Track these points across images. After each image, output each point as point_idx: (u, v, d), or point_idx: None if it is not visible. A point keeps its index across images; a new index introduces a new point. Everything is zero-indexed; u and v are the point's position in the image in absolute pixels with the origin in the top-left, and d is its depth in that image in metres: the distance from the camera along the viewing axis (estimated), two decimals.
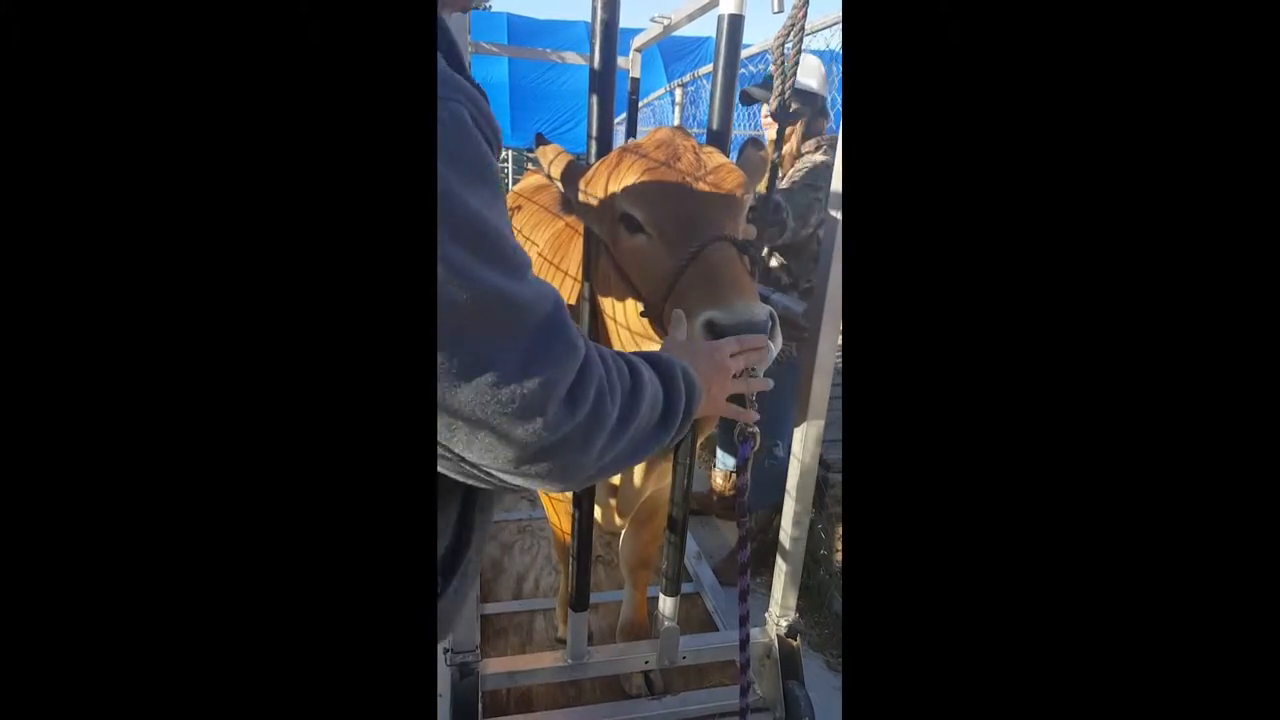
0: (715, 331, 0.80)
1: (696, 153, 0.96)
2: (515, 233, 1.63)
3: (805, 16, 0.95)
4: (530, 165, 8.37)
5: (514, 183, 8.16)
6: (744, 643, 1.02)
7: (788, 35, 0.97)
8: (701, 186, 0.92)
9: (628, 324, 1.02)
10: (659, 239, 0.91)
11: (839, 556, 2.17)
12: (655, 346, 1.03)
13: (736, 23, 1.05)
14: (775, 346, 0.83)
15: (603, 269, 1.03)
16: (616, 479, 1.30)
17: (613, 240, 0.97)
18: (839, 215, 1.19)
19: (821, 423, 1.33)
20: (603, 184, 0.98)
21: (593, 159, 1.10)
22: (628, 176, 0.94)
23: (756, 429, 0.87)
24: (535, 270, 1.39)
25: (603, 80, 1.03)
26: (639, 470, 1.25)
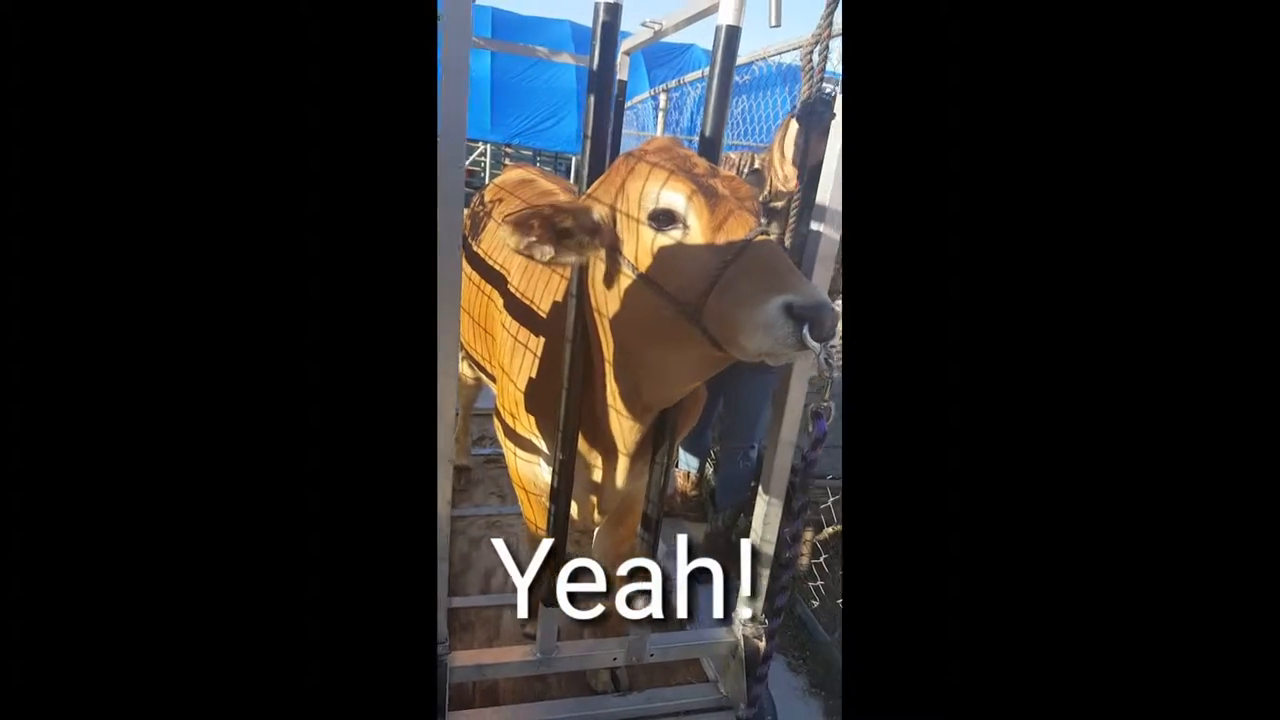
0: (795, 314, 0.81)
1: (704, 160, 0.99)
2: (498, 227, 1.63)
3: (830, 30, 0.99)
4: (507, 161, 8.31)
5: (490, 178, 8.10)
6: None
7: (814, 48, 1.01)
8: (722, 188, 0.95)
9: (626, 322, 1.03)
10: (699, 233, 0.92)
11: (804, 560, 2.22)
12: (651, 348, 1.05)
13: (734, 34, 1.08)
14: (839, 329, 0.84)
15: (608, 272, 1.02)
16: (599, 476, 1.31)
17: (633, 241, 0.97)
18: (819, 227, 1.23)
19: (795, 427, 1.37)
20: (617, 188, 0.99)
21: (586, 158, 1.11)
22: (653, 176, 0.96)
23: (831, 403, 0.88)
24: (519, 266, 1.39)
25: (600, 82, 1.04)
26: (621, 468, 1.27)
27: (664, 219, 0.94)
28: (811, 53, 1.01)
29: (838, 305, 0.82)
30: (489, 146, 8.91)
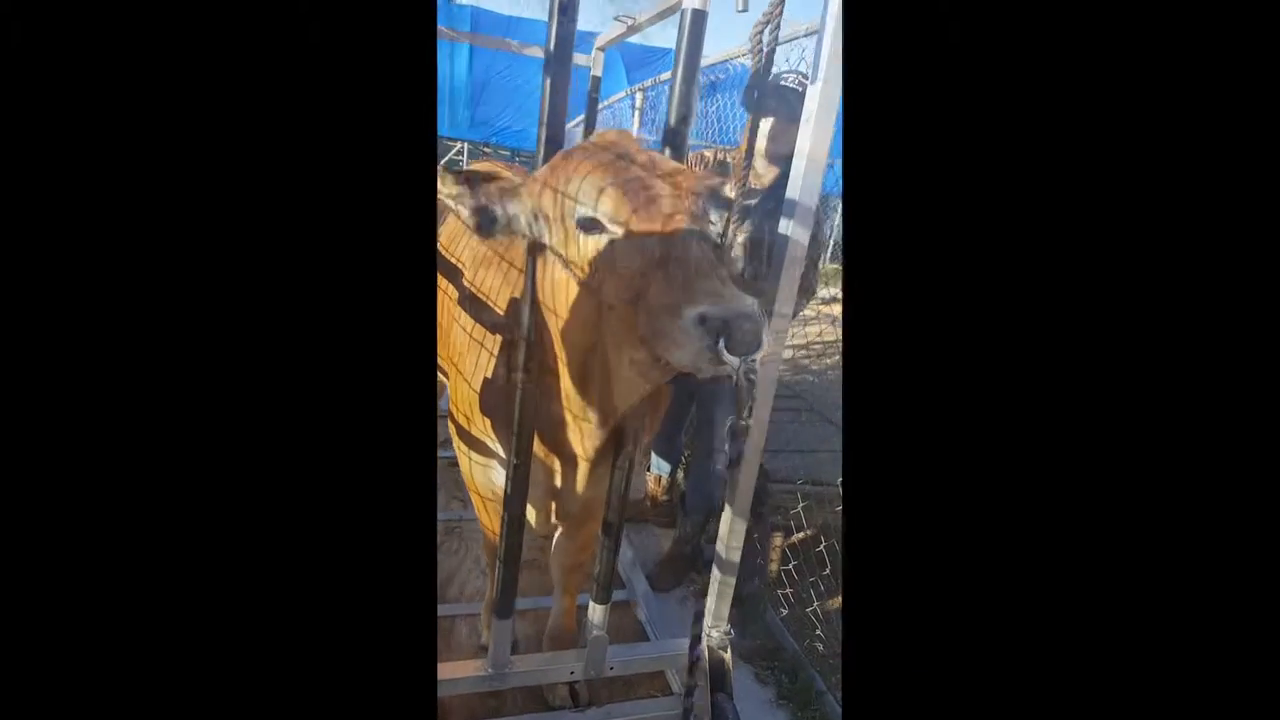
0: (709, 326, 0.74)
1: (649, 153, 0.93)
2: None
3: (782, 10, 0.93)
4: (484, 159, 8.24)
5: None
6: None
7: (765, 26, 0.96)
8: (661, 183, 0.88)
9: (572, 325, 0.98)
10: (625, 237, 0.86)
11: (774, 566, 2.17)
12: (598, 351, 0.99)
13: (700, 18, 1.04)
14: (766, 343, 0.76)
15: (551, 278, 0.97)
16: (558, 481, 1.25)
17: (566, 247, 0.92)
18: (788, 225, 1.18)
19: (763, 434, 1.32)
20: (551, 190, 0.93)
21: (541, 143, 1.05)
22: (579, 176, 0.90)
23: (749, 423, 0.84)
24: (481, 263, 1.33)
25: (558, 60, 0.98)
26: (581, 473, 1.21)
27: (589, 224, 0.89)
28: (762, 30, 0.96)
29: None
30: (467, 145, 8.82)
